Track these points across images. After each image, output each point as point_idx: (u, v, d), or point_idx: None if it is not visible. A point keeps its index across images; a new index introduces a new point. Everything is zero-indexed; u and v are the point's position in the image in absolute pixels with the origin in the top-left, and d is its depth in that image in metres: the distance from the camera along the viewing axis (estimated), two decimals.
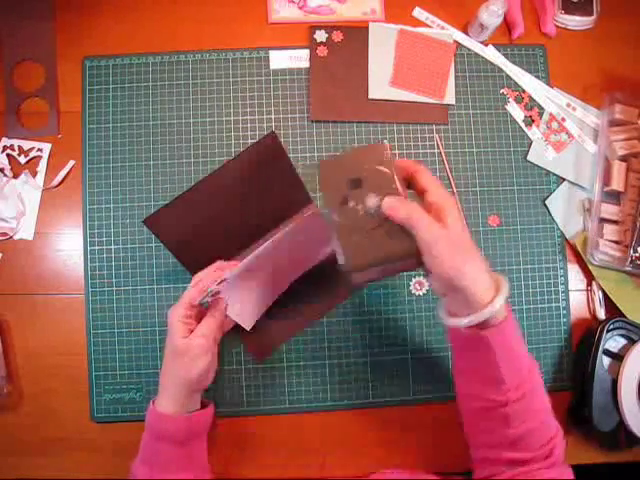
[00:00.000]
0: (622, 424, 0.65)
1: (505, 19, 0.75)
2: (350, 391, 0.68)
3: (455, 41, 0.75)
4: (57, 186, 0.71)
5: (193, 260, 0.64)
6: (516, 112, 0.74)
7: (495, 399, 0.52)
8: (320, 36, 0.74)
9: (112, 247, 0.69)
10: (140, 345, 0.68)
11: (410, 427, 0.69)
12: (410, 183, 0.52)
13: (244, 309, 0.64)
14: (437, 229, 0.47)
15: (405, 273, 0.70)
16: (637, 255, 0.67)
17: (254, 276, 0.63)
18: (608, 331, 0.67)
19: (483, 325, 0.50)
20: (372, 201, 0.50)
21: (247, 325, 0.65)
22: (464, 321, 0.50)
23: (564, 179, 0.73)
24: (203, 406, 0.60)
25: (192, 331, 0.57)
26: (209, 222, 0.64)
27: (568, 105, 0.75)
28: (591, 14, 0.76)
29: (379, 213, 0.50)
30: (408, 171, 0.52)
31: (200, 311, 0.60)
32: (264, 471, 0.67)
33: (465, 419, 0.57)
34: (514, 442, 0.52)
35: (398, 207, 0.49)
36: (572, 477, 0.52)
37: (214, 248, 0.62)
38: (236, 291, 0.62)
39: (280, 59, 0.73)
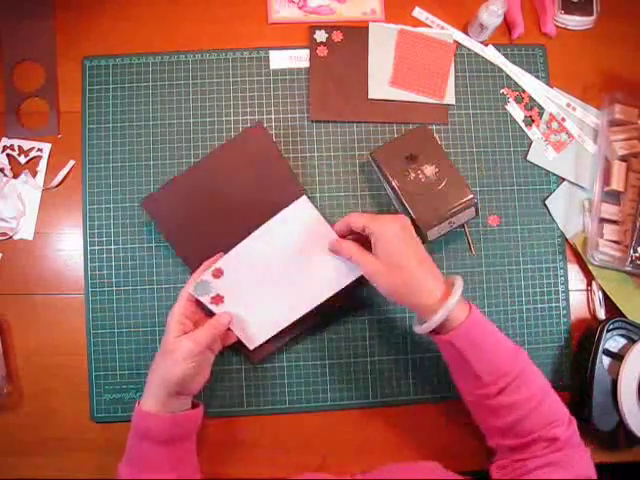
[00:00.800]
0: (622, 424, 0.65)
1: (505, 19, 0.75)
2: (350, 391, 0.68)
3: (455, 41, 0.75)
4: (57, 186, 0.71)
5: (189, 250, 0.66)
6: (516, 112, 0.74)
7: (478, 393, 0.54)
8: (320, 36, 0.74)
9: (112, 247, 0.69)
10: (140, 345, 0.68)
11: (410, 427, 0.69)
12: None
13: (250, 327, 0.63)
14: (370, 262, 0.54)
15: None
16: (637, 255, 0.67)
17: (255, 277, 0.63)
18: (608, 331, 0.67)
19: (445, 329, 0.53)
20: (429, 169, 0.61)
21: (251, 344, 0.63)
22: (419, 329, 0.54)
23: (564, 179, 0.73)
24: (193, 407, 0.59)
25: (186, 333, 0.57)
26: (203, 212, 0.65)
27: (568, 105, 0.74)
28: (591, 14, 0.76)
29: (437, 177, 0.61)
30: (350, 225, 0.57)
31: (202, 317, 0.61)
32: (263, 471, 0.67)
33: (470, 410, 0.59)
34: (505, 431, 0.54)
35: (340, 248, 0.57)
36: (586, 461, 0.53)
37: (210, 241, 0.64)
38: (241, 302, 0.62)
39: (280, 59, 0.73)
